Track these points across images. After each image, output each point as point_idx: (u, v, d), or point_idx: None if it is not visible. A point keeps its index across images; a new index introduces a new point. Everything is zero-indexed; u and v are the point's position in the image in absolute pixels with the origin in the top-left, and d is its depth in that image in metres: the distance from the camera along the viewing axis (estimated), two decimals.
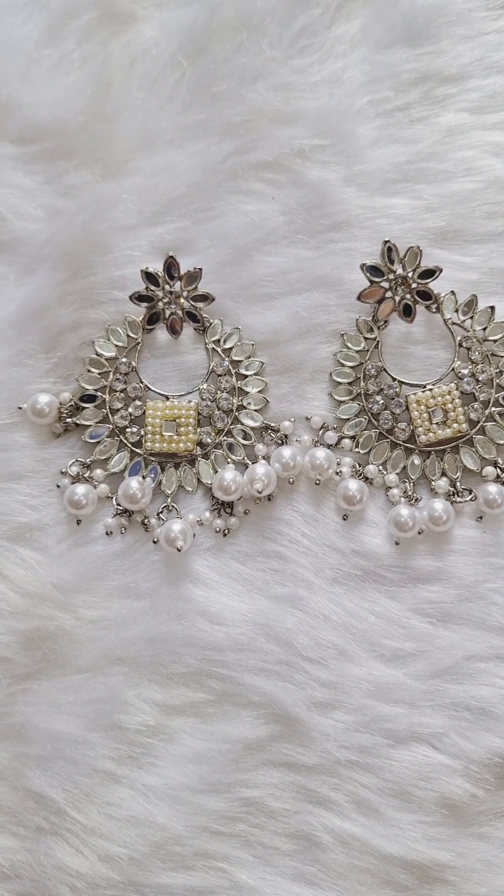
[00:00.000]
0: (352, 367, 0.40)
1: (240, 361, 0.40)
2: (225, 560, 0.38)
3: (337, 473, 0.39)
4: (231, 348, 0.40)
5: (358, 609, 0.38)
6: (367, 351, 0.39)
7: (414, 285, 0.39)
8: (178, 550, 0.37)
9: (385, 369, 0.39)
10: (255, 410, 0.39)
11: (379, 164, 0.41)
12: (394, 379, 0.39)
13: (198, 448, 0.39)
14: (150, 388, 0.40)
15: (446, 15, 0.41)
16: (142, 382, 0.40)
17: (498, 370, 0.39)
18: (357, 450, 0.39)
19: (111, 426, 0.39)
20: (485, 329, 0.39)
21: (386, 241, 0.39)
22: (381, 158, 0.41)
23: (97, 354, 0.40)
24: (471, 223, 0.40)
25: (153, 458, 0.39)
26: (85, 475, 0.39)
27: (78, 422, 0.39)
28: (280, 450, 0.38)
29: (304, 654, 0.37)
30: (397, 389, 0.39)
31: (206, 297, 0.39)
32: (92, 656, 0.38)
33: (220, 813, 0.37)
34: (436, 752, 0.37)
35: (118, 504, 0.39)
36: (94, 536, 0.39)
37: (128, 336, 0.40)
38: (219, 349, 0.40)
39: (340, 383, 0.40)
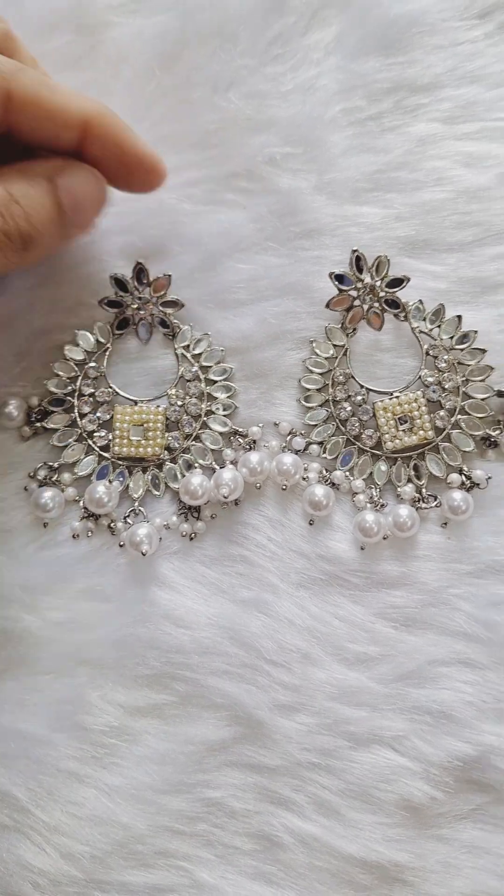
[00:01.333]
0: (320, 374, 0.40)
1: (209, 367, 0.41)
2: (191, 564, 0.39)
3: (304, 479, 0.40)
4: (200, 354, 0.41)
5: (322, 613, 0.39)
6: (336, 358, 0.40)
7: (382, 294, 0.40)
8: (143, 555, 0.38)
9: (353, 376, 0.40)
10: (224, 415, 0.40)
11: (350, 172, 0.41)
12: (361, 386, 0.40)
13: (165, 452, 0.40)
14: (118, 393, 0.41)
15: (420, 25, 0.42)
16: (110, 387, 0.40)
17: (464, 378, 0.40)
18: (324, 455, 0.40)
19: (79, 430, 0.40)
20: (452, 338, 0.40)
21: (354, 250, 0.40)
22: (352, 167, 0.41)
23: (66, 358, 0.41)
24: (440, 233, 0.41)
25: (121, 462, 0.40)
26: (52, 479, 0.40)
27: (46, 426, 0.40)
28: (248, 455, 0.39)
29: (268, 658, 0.38)
30: (365, 396, 0.40)
31: (175, 304, 0.40)
32: (57, 658, 0.38)
33: (182, 813, 0.37)
34: (397, 755, 0.37)
35: (85, 508, 0.39)
36: (60, 540, 0.39)
37: (97, 341, 0.41)
38: (188, 354, 0.41)
39: (309, 390, 0.40)
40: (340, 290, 0.40)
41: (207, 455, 0.40)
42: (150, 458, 0.40)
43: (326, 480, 0.40)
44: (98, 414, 0.40)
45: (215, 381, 0.41)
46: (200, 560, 0.39)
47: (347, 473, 0.40)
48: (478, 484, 0.39)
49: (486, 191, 0.41)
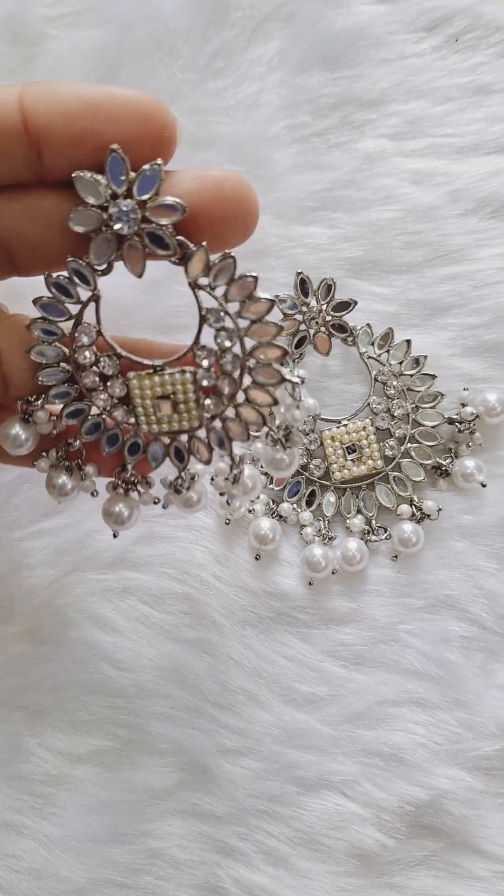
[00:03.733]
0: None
1: (243, 302, 0.29)
2: (132, 603, 0.38)
3: (249, 511, 0.39)
4: (227, 284, 0.29)
5: (269, 652, 0.38)
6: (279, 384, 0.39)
7: (328, 318, 0.39)
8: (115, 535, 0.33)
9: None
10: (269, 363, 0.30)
11: (295, 191, 0.41)
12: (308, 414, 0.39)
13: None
14: (132, 359, 0.30)
15: (366, 38, 0.41)
16: (114, 353, 0.30)
17: (414, 405, 0.39)
18: (271, 486, 0.39)
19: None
20: (401, 363, 0.39)
21: (299, 273, 0.39)
22: (297, 186, 0.41)
23: (46, 320, 0.29)
24: (388, 253, 0.40)
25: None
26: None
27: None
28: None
29: (213, 700, 0.37)
30: (312, 425, 0.39)
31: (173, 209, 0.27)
32: None
33: (125, 864, 0.37)
34: (347, 801, 0.37)
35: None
36: None
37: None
38: (207, 288, 0.29)
39: None
40: (286, 315, 0.39)
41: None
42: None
43: (273, 513, 0.39)
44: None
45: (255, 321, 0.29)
46: (142, 599, 0.38)
47: (295, 505, 0.39)
48: (429, 515, 0.38)
49: (436, 209, 0.40)
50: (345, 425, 0.39)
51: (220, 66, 0.42)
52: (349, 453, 0.39)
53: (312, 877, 0.36)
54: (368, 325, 0.39)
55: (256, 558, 0.39)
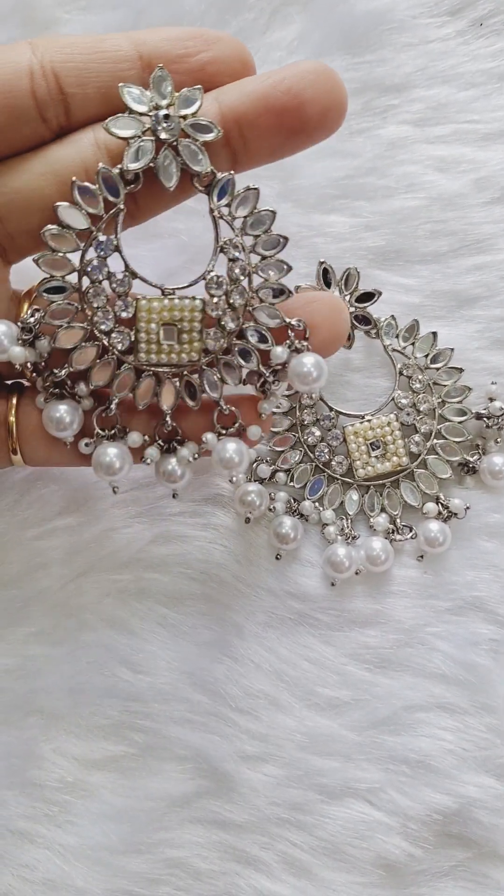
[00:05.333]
0: (287, 397, 0.39)
1: (257, 237, 0.31)
2: (149, 604, 0.38)
3: (270, 510, 0.38)
4: (246, 217, 0.31)
5: (291, 655, 0.37)
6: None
7: (352, 310, 0.38)
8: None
9: (322, 398, 0.38)
10: (272, 304, 0.32)
11: (316, 178, 0.40)
12: (331, 409, 0.38)
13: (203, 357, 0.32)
14: (143, 279, 0.31)
15: (388, 22, 0.40)
16: (128, 269, 0.31)
17: (440, 400, 0.38)
18: (292, 484, 0.38)
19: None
20: (426, 356, 0.38)
21: (321, 262, 0.38)
22: (318, 173, 0.40)
23: (62, 226, 0.30)
24: (413, 242, 0.39)
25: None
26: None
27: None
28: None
29: (233, 705, 0.37)
30: (334, 420, 0.38)
31: (209, 129, 0.30)
32: (5, 708, 0.37)
33: (143, 875, 0.36)
34: (372, 809, 0.36)
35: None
36: (6, 580, 0.37)
37: (104, 200, 0.30)
38: (227, 217, 0.31)
39: (275, 413, 0.39)
40: None
41: (253, 358, 0.32)
42: (186, 366, 0.32)
43: (294, 511, 0.38)
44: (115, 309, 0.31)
45: (265, 257, 0.31)
46: (159, 600, 0.38)
47: (316, 503, 0.38)
48: (455, 514, 0.38)
49: (461, 197, 0.39)
50: (368, 420, 0.38)
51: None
52: (373, 450, 0.38)
53: (336, 887, 0.36)
54: (393, 316, 0.39)
55: (277, 558, 0.38)
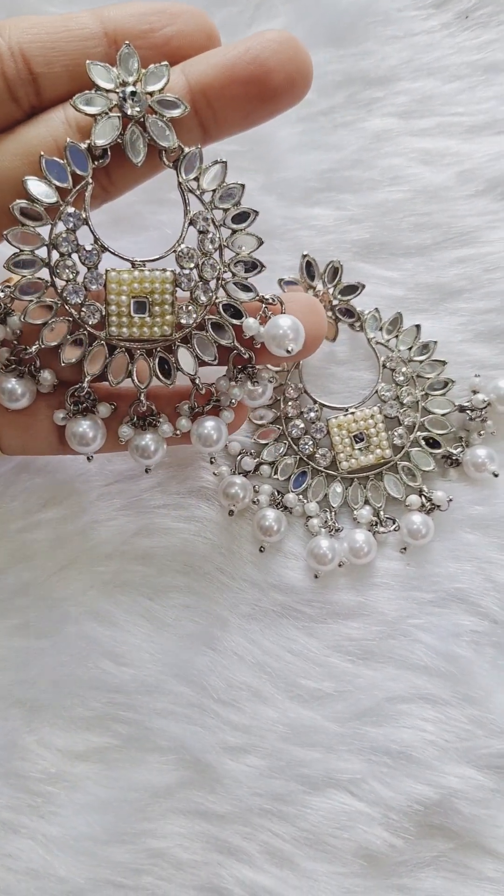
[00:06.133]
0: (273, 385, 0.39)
1: (226, 210, 0.32)
2: (133, 596, 0.38)
3: (254, 502, 0.38)
4: (214, 191, 0.32)
5: (274, 647, 0.37)
6: (287, 371, 0.39)
7: (335, 302, 0.38)
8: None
9: (306, 391, 0.39)
10: (245, 278, 0.32)
11: (300, 171, 0.40)
12: (315, 401, 0.39)
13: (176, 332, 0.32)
14: (113, 252, 0.31)
15: (373, 14, 0.40)
16: (97, 242, 0.31)
17: (423, 392, 0.38)
18: (276, 476, 0.38)
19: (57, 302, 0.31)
20: (410, 349, 0.38)
21: (304, 255, 0.38)
22: (302, 165, 0.40)
23: (30, 199, 0.30)
24: (397, 235, 0.39)
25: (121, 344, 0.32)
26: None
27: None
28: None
29: (216, 697, 0.37)
30: (318, 413, 0.38)
31: (175, 105, 0.30)
32: None
33: (125, 865, 0.36)
34: (354, 800, 0.36)
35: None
36: None
37: (72, 174, 0.30)
38: (196, 191, 0.31)
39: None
40: None
41: (228, 332, 0.32)
42: (159, 340, 0.32)
43: (278, 504, 0.38)
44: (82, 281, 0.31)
45: (235, 231, 0.32)
46: (143, 592, 0.38)
47: (300, 496, 0.38)
48: (438, 506, 0.38)
49: (446, 190, 0.39)
50: (352, 413, 0.38)
51: (223, 42, 0.41)
52: (356, 442, 0.38)
53: (318, 878, 0.36)
54: (376, 309, 0.39)
55: (261, 550, 0.38)
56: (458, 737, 0.36)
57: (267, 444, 0.39)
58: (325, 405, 0.39)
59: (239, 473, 0.38)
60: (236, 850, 0.36)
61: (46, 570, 0.38)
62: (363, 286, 0.38)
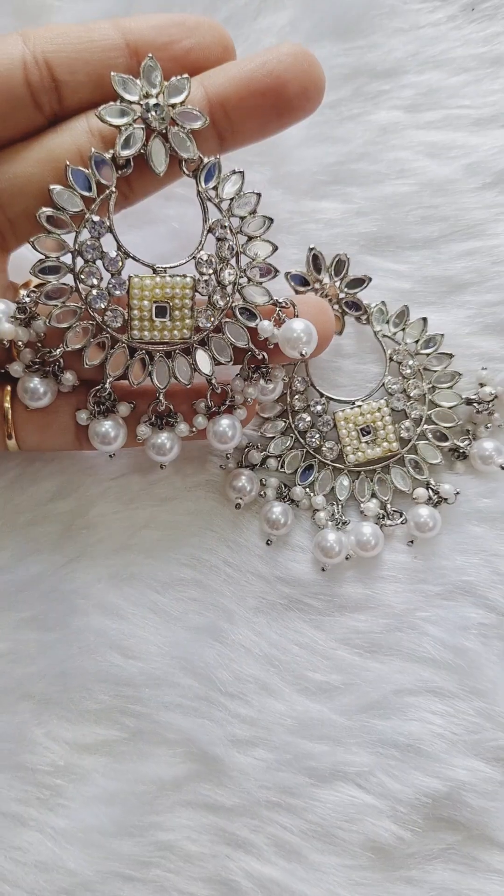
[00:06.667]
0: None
1: (243, 218, 0.33)
2: (140, 589, 0.38)
3: (261, 495, 0.38)
4: (232, 199, 0.33)
5: (281, 640, 0.38)
6: (294, 365, 0.39)
7: (342, 295, 0.38)
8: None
9: (312, 384, 0.39)
10: (260, 283, 0.33)
11: (307, 164, 0.40)
12: (321, 395, 0.39)
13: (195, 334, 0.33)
14: (135, 258, 0.33)
15: (379, 7, 0.40)
16: (121, 249, 0.32)
17: (430, 385, 0.38)
18: (283, 470, 0.39)
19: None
20: (417, 342, 0.38)
21: (311, 249, 0.38)
22: (309, 159, 0.40)
23: (56, 208, 0.31)
24: (404, 228, 0.40)
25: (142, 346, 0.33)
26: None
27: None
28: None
29: (224, 689, 0.37)
30: (325, 406, 0.38)
31: (196, 117, 0.31)
32: None
33: (134, 857, 0.36)
34: (362, 792, 0.36)
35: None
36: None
37: (97, 183, 0.31)
38: (215, 199, 0.33)
39: None
40: (298, 292, 0.38)
41: (244, 335, 0.33)
42: (178, 343, 0.33)
43: (285, 497, 0.38)
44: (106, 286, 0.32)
45: (252, 238, 0.33)
46: (150, 585, 0.38)
47: (307, 489, 0.39)
48: (446, 499, 0.38)
49: (452, 183, 0.39)
50: (359, 406, 0.38)
51: (233, 38, 0.41)
52: (363, 435, 0.38)
53: (326, 870, 0.36)
54: (383, 302, 0.39)
55: (268, 543, 0.38)
56: (465, 729, 0.36)
57: (274, 437, 0.39)
58: (331, 398, 0.39)
59: (245, 466, 0.39)
60: (244, 843, 0.36)
61: (54, 564, 0.38)
62: (370, 279, 0.38)
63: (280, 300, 0.34)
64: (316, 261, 0.38)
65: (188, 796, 0.37)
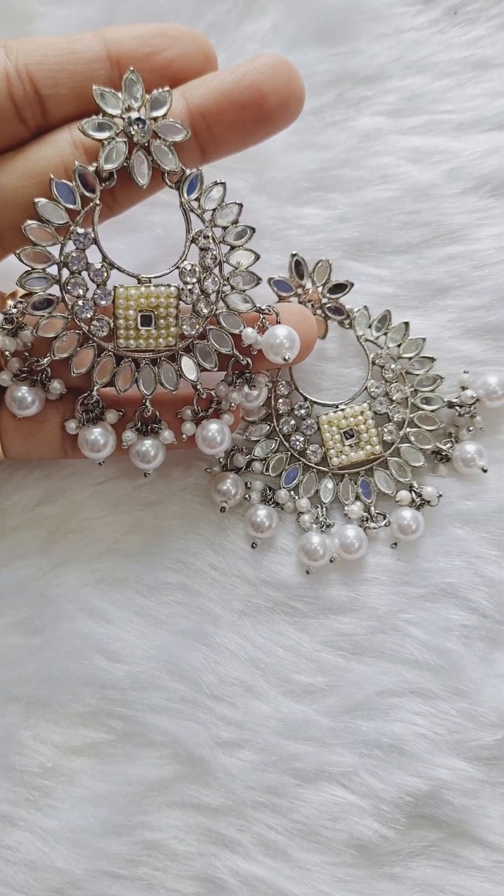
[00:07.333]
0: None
1: (225, 228, 0.34)
2: (126, 593, 0.38)
3: (245, 499, 0.39)
4: (214, 210, 0.34)
5: (266, 643, 0.38)
6: (278, 369, 0.39)
7: (325, 300, 0.39)
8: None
9: (296, 388, 0.39)
10: (243, 291, 0.34)
11: (290, 171, 0.40)
12: (305, 398, 0.39)
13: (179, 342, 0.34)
14: (120, 269, 0.33)
15: (363, 12, 0.41)
16: (105, 260, 0.33)
17: (413, 389, 0.39)
18: (267, 473, 0.39)
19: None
20: (399, 346, 0.39)
21: (294, 255, 0.38)
22: (292, 165, 0.40)
23: (41, 220, 0.32)
24: (386, 233, 0.40)
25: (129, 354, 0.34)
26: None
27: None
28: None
29: (210, 692, 0.38)
30: (308, 409, 0.39)
31: (178, 131, 0.32)
32: None
33: (122, 856, 0.37)
34: (345, 792, 0.37)
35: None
36: None
37: (81, 196, 0.32)
38: (198, 210, 0.33)
39: None
40: (280, 297, 0.39)
41: (227, 341, 0.34)
42: (164, 351, 0.34)
43: (269, 500, 0.39)
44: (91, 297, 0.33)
45: (234, 247, 0.34)
46: (136, 589, 0.38)
47: (292, 492, 0.39)
48: (429, 501, 0.38)
49: (434, 188, 0.40)
50: (342, 410, 0.39)
51: (212, 42, 0.40)
52: (347, 438, 0.39)
53: (311, 868, 0.37)
54: (366, 307, 0.39)
55: (253, 546, 0.39)
56: (448, 730, 0.37)
57: (258, 440, 0.39)
58: (315, 402, 0.39)
59: (230, 470, 0.39)
60: (230, 842, 0.37)
61: (41, 568, 0.39)
62: (352, 284, 0.39)
63: (263, 307, 0.34)
64: (298, 266, 0.39)
65: (175, 797, 0.37)
